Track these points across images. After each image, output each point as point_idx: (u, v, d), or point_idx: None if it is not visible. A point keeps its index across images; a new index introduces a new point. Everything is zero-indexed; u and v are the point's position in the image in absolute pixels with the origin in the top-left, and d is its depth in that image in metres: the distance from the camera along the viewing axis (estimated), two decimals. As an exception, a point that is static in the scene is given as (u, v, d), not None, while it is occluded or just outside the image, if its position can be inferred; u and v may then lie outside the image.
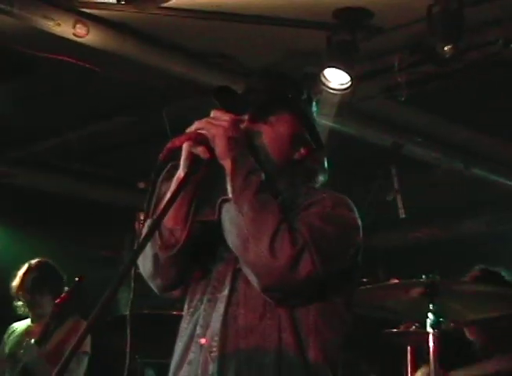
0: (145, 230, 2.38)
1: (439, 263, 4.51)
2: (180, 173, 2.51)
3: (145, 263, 2.64)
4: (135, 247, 2.29)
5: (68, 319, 5.58)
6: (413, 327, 4.71)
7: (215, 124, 2.49)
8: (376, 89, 5.69)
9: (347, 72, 5.13)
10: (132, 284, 2.34)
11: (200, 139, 2.48)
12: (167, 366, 5.18)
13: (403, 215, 6.20)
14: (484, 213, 7.81)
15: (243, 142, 2.53)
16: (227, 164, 2.47)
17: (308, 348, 2.50)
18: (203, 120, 2.51)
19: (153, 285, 2.71)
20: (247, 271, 2.49)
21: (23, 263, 5.96)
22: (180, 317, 2.78)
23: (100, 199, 7.74)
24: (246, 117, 2.65)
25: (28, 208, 7.18)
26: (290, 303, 2.52)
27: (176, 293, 2.75)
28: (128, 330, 2.42)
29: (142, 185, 7.19)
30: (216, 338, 2.52)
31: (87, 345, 5.52)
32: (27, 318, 5.89)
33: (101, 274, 7.43)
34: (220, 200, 2.51)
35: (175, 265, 2.64)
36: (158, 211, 2.38)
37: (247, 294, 2.55)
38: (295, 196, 2.65)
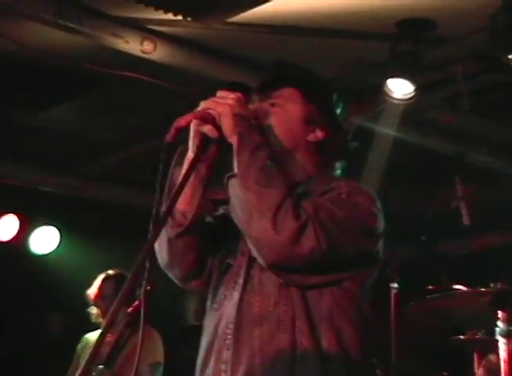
0: (157, 217, 2.31)
1: (504, 270, 4.48)
2: (190, 154, 2.49)
3: (161, 252, 2.64)
4: (149, 235, 2.26)
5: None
6: (479, 333, 4.70)
7: (221, 102, 2.46)
8: (439, 99, 5.68)
9: (410, 82, 5.13)
10: (148, 265, 2.26)
11: (206, 118, 2.45)
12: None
13: (467, 223, 6.17)
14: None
15: (249, 119, 2.49)
16: (233, 140, 2.43)
17: (322, 336, 2.47)
18: (209, 99, 2.48)
19: (172, 275, 2.71)
20: (251, 246, 2.46)
21: (93, 272, 6.04)
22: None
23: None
24: (256, 100, 2.64)
25: (97, 220, 7.26)
26: (297, 282, 2.49)
27: (196, 285, 2.72)
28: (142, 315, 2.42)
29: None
30: (231, 326, 2.51)
31: (160, 355, 5.58)
32: (98, 328, 5.97)
33: (166, 283, 7.52)
34: (227, 176, 2.47)
35: (190, 250, 2.63)
36: (171, 196, 2.35)
37: (262, 281, 2.53)
38: (311, 181, 2.63)
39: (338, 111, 2.83)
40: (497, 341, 4.03)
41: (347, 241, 2.48)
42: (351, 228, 2.49)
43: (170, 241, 2.61)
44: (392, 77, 5.13)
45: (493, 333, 4.07)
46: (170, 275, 2.71)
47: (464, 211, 6.18)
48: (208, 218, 2.68)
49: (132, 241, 7.26)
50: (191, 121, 2.45)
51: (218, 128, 2.44)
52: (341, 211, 2.47)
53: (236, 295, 2.54)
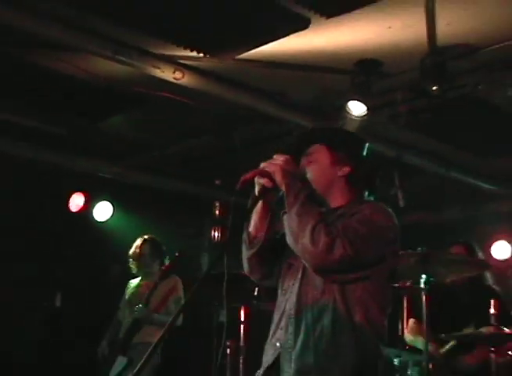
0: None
1: (427, 238, 4.50)
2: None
3: (244, 264, 2.78)
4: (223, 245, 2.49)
5: (169, 277, 5.70)
6: (408, 283, 4.71)
7: (274, 163, 2.61)
8: (384, 116, 5.70)
9: (364, 104, 5.15)
10: (226, 270, 2.44)
11: (264, 173, 2.60)
12: (235, 309, 5.19)
13: (402, 205, 6.20)
14: (460, 203, 7.74)
15: (293, 173, 2.61)
16: (283, 188, 2.56)
17: (355, 314, 2.52)
18: (267, 161, 2.64)
19: (252, 278, 2.84)
20: (301, 257, 2.56)
21: (136, 235, 6.12)
22: (245, 277, 2.86)
23: (190, 193, 7.80)
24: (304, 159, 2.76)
25: (139, 198, 7.25)
26: (337, 280, 2.54)
27: (269, 283, 2.83)
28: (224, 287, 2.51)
29: (218, 182, 7.23)
30: (293, 308, 2.60)
31: (180, 291, 5.69)
32: (137, 276, 6.02)
33: (188, 244, 7.55)
34: (282, 212, 2.60)
35: (262, 262, 2.76)
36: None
37: (312, 277, 2.59)
38: (345, 207, 2.67)
39: (364, 152, 2.80)
40: (421, 288, 4.07)
41: (370, 249, 2.52)
42: (372, 240, 2.53)
43: (248, 259, 2.75)
44: (351, 100, 5.15)
45: (418, 283, 4.11)
46: (252, 278, 2.85)
47: (400, 197, 6.21)
48: (277, 236, 2.77)
49: (163, 215, 7.31)
50: (253, 176, 2.60)
51: (273, 180, 2.59)
52: (364, 228, 2.52)
53: (296, 286, 2.64)
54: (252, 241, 2.73)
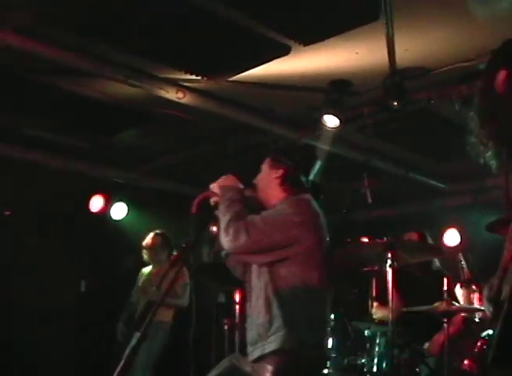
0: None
1: (391, 229, 4.52)
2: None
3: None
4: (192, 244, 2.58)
5: (177, 265, 5.70)
6: (376, 267, 4.72)
7: (216, 182, 2.74)
8: (354, 128, 5.70)
9: (336, 117, 5.16)
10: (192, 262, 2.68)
11: (211, 194, 2.72)
12: (231, 292, 5.17)
13: (370, 201, 6.22)
14: (418, 199, 7.76)
15: (228, 186, 2.71)
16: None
17: (283, 291, 2.60)
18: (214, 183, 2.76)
19: (236, 275, 2.95)
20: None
21: (146, 231, 6.18)
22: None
23: (192, 194, 7.76)
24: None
25: (150, 200, 7.24)
26: (254, 261, 2.67)
27: (247, 279, 2.89)
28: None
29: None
30: (249, 291, 2.76)
31: (187, 279, 5.64)
32: (149, 264, 6.00)
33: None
34: None
35: (234, 263, 2.88)
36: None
37: (253, 267, 2.73)
38: (279, 204, 2.73)
39: (316, 166, 2.90)
40: (387, 271, 4.07)
41: (275, 233, 2.58)
42: (277, 224, 2.60)
43: (225, 260, 2.87)
44: (326, 114, 5.16)
45: (385, 266, 4.11)
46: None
47: (368, 195, 6.23)
48: None
49: (169, 213, 7.32)
50: (202, 198, 2.70)
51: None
52: (271, 215, 2.63)
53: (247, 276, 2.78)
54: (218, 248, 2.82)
